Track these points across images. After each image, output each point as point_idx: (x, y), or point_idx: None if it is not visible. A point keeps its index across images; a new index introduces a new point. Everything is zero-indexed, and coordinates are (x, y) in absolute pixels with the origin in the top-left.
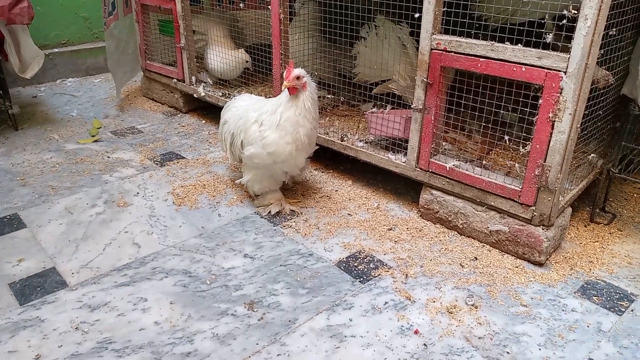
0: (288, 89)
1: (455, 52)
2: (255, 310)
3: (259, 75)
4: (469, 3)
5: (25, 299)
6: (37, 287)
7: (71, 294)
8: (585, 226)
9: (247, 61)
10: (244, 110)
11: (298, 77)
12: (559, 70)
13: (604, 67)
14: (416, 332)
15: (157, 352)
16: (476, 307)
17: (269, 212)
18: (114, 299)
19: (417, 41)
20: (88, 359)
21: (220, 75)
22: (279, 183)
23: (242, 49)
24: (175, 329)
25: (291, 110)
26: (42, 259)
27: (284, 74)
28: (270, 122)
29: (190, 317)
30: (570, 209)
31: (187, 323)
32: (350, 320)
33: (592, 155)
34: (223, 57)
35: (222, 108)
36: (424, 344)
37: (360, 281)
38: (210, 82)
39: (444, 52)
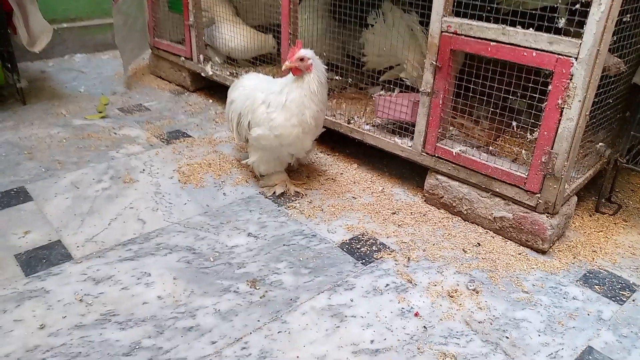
0: (290, 69)
1: (465, 35)
2: (257, 288)
3: (267, 55)
4: None
5: (31, 270)
6: (42, 259)
7: (76, 267)
8: (590, 216)
9: (274, 47)
10: (251, 89)
11: (302, 59)
12: (570, 56)
13: (616, 55)
14: (416, 314)
15: (160, 325)
16: (477, 292)
17: (274, 192)
18: (118, 272)
19: (427, 28)
20: (91, 330)
21: (241, 55)
22: (284, 164)
23: (271, 34)
24: (178, 303)
25: (296, 91)
26: (48, 232)
27: (288, 54)
28: (277, 103)
29: (193, 293)
30: (575, 198)
31: (190, 298)
32: (352, 300)
33: (600, 144)
34: (246, 37)
35: (229, 87)
36: (424, 327)
37: (362, 263)
38: (218, 60)
39: (455, 35)
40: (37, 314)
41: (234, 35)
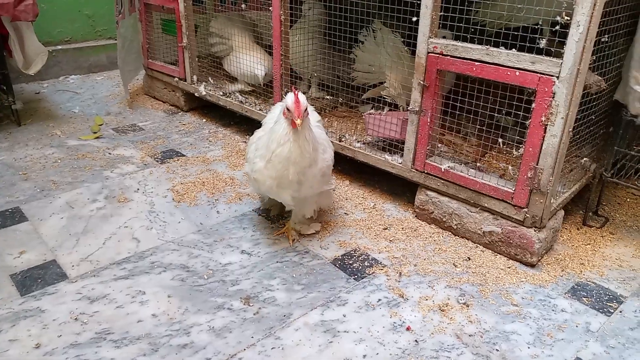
0: (291, 122)
1: (451, 56)
2: (251, 304)
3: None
4: (465, 8)
5: (26, 289)
6: (37, 278)
7: (71, 286)
8: (578, 229)
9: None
10: (267, 120)
11: (306, 109)
12: (552, 75)
13: (596, 73)
14: (408, 328)
15: (154, 343)
16: (468, 306)
17: (266, 209)
18: (113, 291)
19: (414, 45)
20: (87, 349)
21: (259, 81)
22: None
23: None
24: (173, 321)
25: (285, 146)
26: (43, 252)
27: (292, 107)
28: (262, 153)
29: (187, 310)
30: (562, 212)
31: (184, 316)
32: (344, 316)
33: (584, 159)
34: (264, 63)
35: (222, 107)
36: (415, 340)
37: (354, 278)
38: (239, 88)
39: (441, 56)
40: (32, 333)
41: (252, 61)
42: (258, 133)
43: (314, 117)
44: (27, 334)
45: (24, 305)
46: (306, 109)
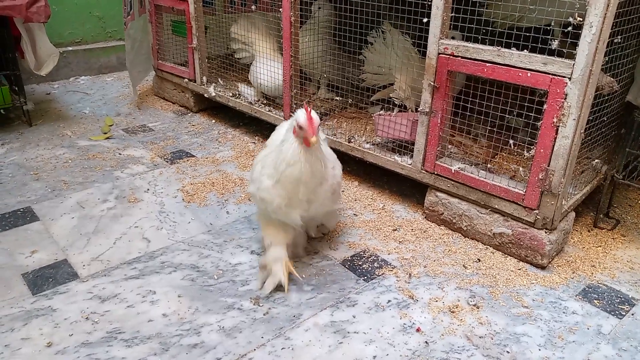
0: (304, 140)
1: (462, 57)
2: (261, 305)
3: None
4: (477, 8)
5: (38, 289)
6: (49, 277)
7: (82, 285)
8: (589, 231)
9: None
10: (273, 140)
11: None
12: (564, 76)
13: (608, 74)
14: (418, 330)
15: (165, 343)
16: (478, 308)
17: (263, 283)
18: (124, 291)
19: (424, 46)
20: (98, 348)
21: (273, 92)
22: (289, 234)
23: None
24: (183, 321)
25: (295, 167)
26: (54, 251)
27: (305, 124)
28: (269, 172)
29: (198, 310)
30: (573, 214)
31: (195, 316)
32: (354, 317)
33: (596, 160)
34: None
35: (232, 108)
36: (426, 342)
37: (364, 279)
38: (255, 97)
39: (451, 57)
40: (44, 332)
41: (269, 71)
42: (263, 152)
43: (322, 135)
44: (39, 333)
45: (36, 304)
46: (319, 124)
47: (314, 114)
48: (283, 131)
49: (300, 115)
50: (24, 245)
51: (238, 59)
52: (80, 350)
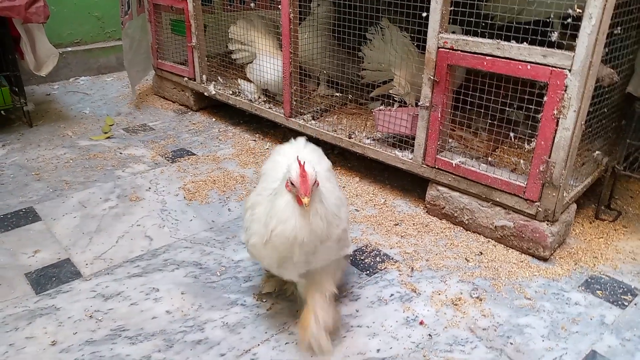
0: (297, 198)
1: (461, 51)
2: (264, 300)
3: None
4: (476, 2)
5: (41, 288)
6: (52, 277)
7: (85, 284)
8: (590, 223)
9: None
10: (268, 171)
11: (316, 183)
12: (564, 68)
13: (608, 65)
14: (421, 323)
15: (169, 339)
16: (481, 300)
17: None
18: (127, 289)
19: (422, 40)
20: (102, 346)
21: (277, 89)
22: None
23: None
24: (187, 317)
25: (288, 223)
26: (57, 251)
27: (297, 181)
28: (258, 229)
29: (201, 307)
30: (575, 206)
31: (198, 312)
32: (357, 311)
33: (597, 152)
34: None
35: (232, 106)
36: (429, 335)
37: (367, 274)
38: (256, 95)
39: (451, 51)
40: (48, 330)
41: (270, 68)
42: (253, 196)
43: (322, 165)
44: (43, 332)
45: (39, 303)
46: (315, 180)
47: (309, 168)
48: (279, 159)
49: (293, 169)
50: (27, 245)
51: (235, 59)
52: (85, 348)
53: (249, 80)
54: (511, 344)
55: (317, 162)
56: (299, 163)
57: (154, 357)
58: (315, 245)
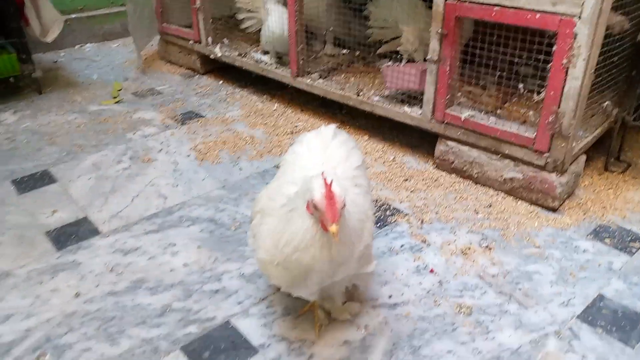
0: (321, 224)
1: (469, 2)
2: None
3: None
4: None
5: (62, 245)
6: (71, 234)
7: (104, 241)
8: (600, 175)
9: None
10: (290, 162)
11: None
12: (573, 16)
13: (619, 13)
14: (432, 271)
15: (188, 289)
16: (490, 249)
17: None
18: (144, 244)
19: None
20: (124, 296)
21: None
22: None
23: None
24: (204, 269)
25: (307, 252)
26: (74, 210)
27: (322, 205)
28: (267, 246)
29: (217, 260)
30: (584, 157)
31: (215, 264)
32: None
33: (606, 103)
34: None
35: (238, 68)
36: (439, 282)
37: (377, 226)
38: (271, 60)
39: (459, 2)
40: (71, 284)
41: (279, 23)
42: (265, 199)
43: (352, 161)
44: (67, 285)
45: (61, 259)
46: (344, 203)
47: (336, 189)
48: (301, 151)
49: (317, 189)
50: (44, 205)
51: (244, 28)
52: (108, 298)
53: (263, 52)
54: (520, 289)
55: (345, 158)
56: (325, 182)
57: (174, 306)
58: (335, 269)
